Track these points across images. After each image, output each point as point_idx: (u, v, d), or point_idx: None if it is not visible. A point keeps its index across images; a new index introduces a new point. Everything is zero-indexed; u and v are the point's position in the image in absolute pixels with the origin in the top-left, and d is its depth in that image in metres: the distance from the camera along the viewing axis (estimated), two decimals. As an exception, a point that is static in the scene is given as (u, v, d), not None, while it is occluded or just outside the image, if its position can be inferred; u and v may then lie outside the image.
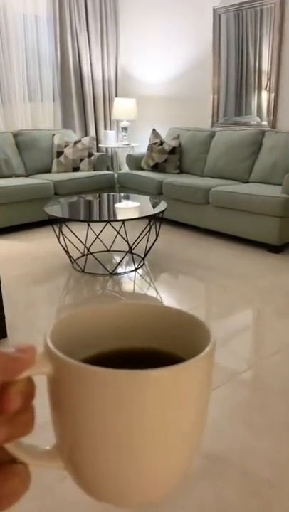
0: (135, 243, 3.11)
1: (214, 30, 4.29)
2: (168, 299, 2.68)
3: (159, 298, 2.68)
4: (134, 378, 0.24)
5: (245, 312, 2.51)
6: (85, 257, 3.01)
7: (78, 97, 4.99)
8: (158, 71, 4.87)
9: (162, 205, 2.98)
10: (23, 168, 4.39)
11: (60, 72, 4.81)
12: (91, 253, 2.92)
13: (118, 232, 2.76)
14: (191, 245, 3.60)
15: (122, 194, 3.38)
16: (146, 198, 3.30)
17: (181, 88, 4.70)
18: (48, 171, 4.52)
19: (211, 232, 3.81)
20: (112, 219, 2.61)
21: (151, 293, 2.77)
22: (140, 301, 0.33)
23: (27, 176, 4.40)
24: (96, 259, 2.82)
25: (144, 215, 2.80)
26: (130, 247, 2.86)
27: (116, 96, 5.26)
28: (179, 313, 0.31)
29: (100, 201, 3.16)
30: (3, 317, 2.12)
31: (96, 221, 2.59)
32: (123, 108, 4.81)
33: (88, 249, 2.86)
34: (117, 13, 5.08)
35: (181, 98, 4.72)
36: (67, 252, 2.97)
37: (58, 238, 2.90)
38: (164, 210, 2.87)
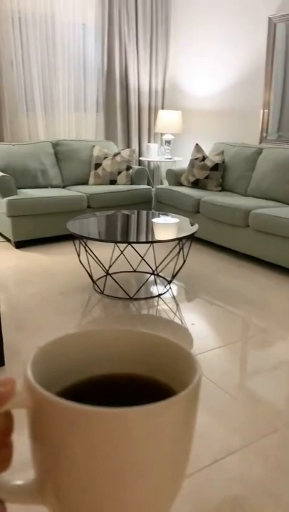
0: (162, 265, 2.87)
1: (268, 41, 3.99)
2: (193, 332, 2.40)
3: (184, 326, 2.41)
4: (112, 416, 0.23)
5: (283, 357, 2.18)
6: (105, 277, 2.81)
7: (123, 108, 4.85)
8: (207, 83, 4.63)
9: (193, 227, 2.72)
10: (60, 179, 4.29)
11: (105, 82, 4.70)
12: (109, 274, 2.70)
13: (142, 258, 2.52)
14: (226, 271, 3.29)
15: (152, 212, 3.14)
16: (179, 217, 3.05)
17: (229, 101, 4.43)
18: (86, 182, 4.39)
19: (249, 258, 3.48)
20: (133, 240, 2.38)
21: (176, 321, 2.51)
22: (126, 328, 0.32)
23: (63, 187, 4.29)
24: (115, 281, 2.60)
25: (171, 237, 2.55)
26: (154, 271, 2.62)
27: (162, 108, 5.08)
28: (165, 341, 0.30)
29: (127, 218, 2.95)
30: (1, 344, 1.95)
31: (115, 242, 2.37)
32: (167, 121, 4.60)
33: (107, 271, 2.65)
34: (168, 22, 4.91)
35: (229, 112, 4.45)
36: (87, 271, 2.78)
37: (78, 255, 2.71)
38: (193, 234, 2.61)
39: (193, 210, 3.79)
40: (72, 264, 3.23)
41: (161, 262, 2.74)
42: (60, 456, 0.24)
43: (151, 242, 2.37)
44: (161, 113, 4.66)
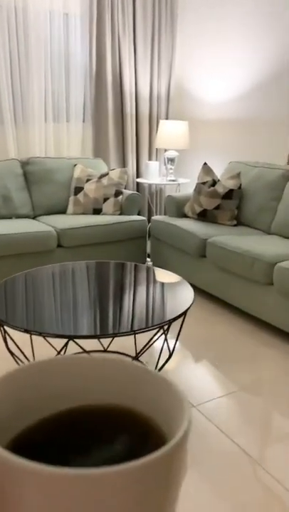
0: (144, 349, 1.86)
1: (302, 26, 2.98)
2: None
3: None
4: (67, 478, 0.20)
5: None
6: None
7: (116, 117, 3.90)
8: (222, 87, 3.64)
9: (184, 303, 1.70)
10: (30, 207, 3.35)
11: (94, 85, 3.77)
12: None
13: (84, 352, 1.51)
14: (246, 348, 2.24)
15: (124, 264, 2.13)
16: (170, 276, 2.04)
17: (249, 110, 3.42)
18: (64, 211, 3.45)
19: (273, 330, 2.44)
20: (73, 333, 1.39)
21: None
22: (108, 356, 0.28)
23: (34, 218, 3.36)
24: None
25: (142, 323, 1.54)
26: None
27: (167, 118, 4.11)
28: (153, 375, 0.27)
29: (80, 280, 1.95)
30: None
31: (40, 333, 1.38)
32: (171, 133, 3.62)
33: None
34: (173, 12, 3.96)
35: (249, 123, 3.43)
36: (16, 360, 1.79)
37: (5, 339, 1.73)
38: (179, 316, 1.59)
39: (197, 254, 2.78)
40: (21, 343, 2.25)
41: (142, 349, 1.73)
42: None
43: (99, 337, 1.37)
44: (163, 124, 3.68)
